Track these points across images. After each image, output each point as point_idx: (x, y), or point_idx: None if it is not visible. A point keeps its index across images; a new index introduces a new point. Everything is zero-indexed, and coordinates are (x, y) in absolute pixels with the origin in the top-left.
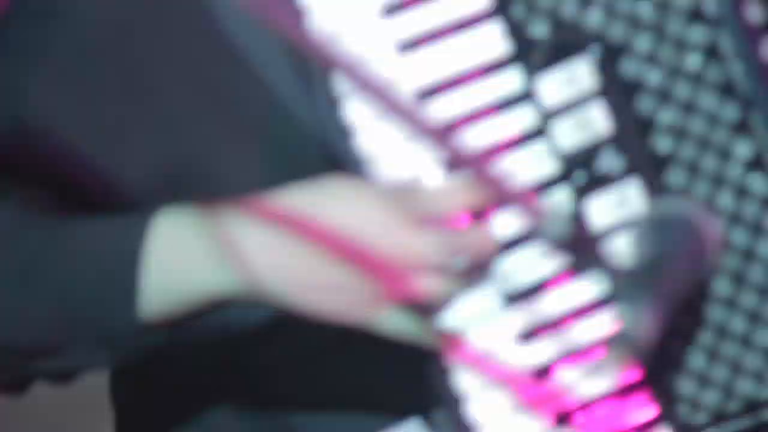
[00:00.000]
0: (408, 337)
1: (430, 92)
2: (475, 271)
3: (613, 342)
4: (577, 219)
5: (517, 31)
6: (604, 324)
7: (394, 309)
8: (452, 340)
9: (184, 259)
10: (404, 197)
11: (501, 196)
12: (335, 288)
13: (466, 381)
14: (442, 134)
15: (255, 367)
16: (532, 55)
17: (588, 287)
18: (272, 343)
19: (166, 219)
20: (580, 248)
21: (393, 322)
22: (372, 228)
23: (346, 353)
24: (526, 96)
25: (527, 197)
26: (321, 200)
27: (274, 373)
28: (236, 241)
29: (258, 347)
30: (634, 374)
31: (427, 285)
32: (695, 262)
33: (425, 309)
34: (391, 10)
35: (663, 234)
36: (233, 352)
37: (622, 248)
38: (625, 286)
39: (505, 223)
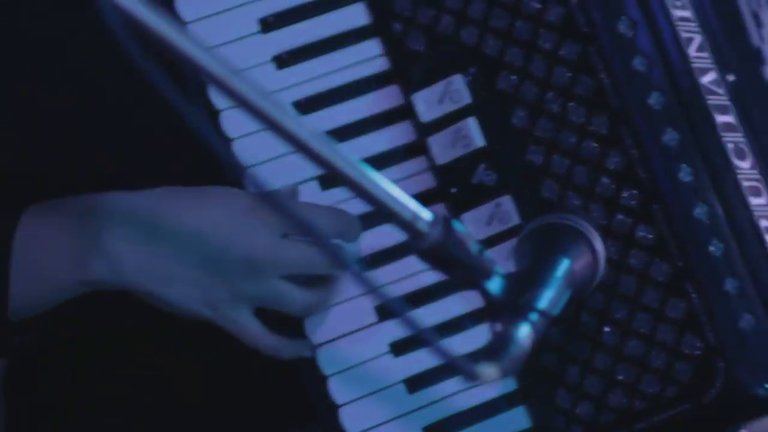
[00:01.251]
0: (260, 344)
1: (308, 106)
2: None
3: (489, 352)
4: (454, 232)
5: (396, 48)
6: (480, 334)
7: (252, 312)
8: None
9: (50, 253)
10: (276, 207)
11: (375, 209)
12: (195, 283)
13: (337, 390)
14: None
15: (136, 367)
16: (410, 73)
17: (464, 298)
18: (156, 348)
19: (33, 214)
20: (457, 261)
21: (248, 326)
22: (239, 234)
23: (225, 363)
24: (404, 111)
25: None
26: (194, 202)
27: (153, 376)
28: (102, 234)
29: (139, 349)
30: (510, 385)
31: (288, 292)
32: (579, 275)
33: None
34: (269, 25)
35: (547, 246)
36: (111, 354)
37: (499, 260)
38: (504, 298)
39: (383, 235)
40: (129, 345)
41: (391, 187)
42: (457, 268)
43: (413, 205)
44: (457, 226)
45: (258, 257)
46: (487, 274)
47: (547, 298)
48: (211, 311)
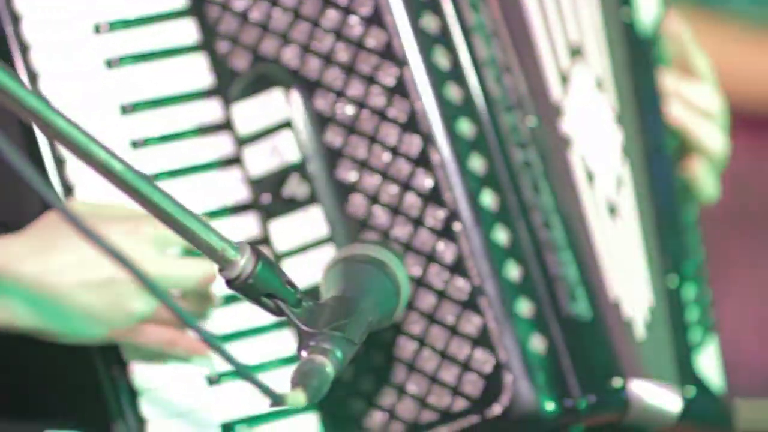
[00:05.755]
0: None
1: (133, 109)
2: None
3: (296, 378)
4: (262, 261)
5: (219, 64)
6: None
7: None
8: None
9: None
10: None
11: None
12: (91, 312)
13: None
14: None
15: None
16: (232, 86)
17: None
18: None
19: None
20: (264, 290)
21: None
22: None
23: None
24: (223, 125)
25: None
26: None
27: None
28: None
29: None
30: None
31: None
32: (382, 304)
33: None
34: (102, 28)
35: (353, 275)
36: None
37: (307, 269)
38: (311, 326)
39: None
40: None
41: (199, 217)
42: (265, 297)
43: (223, 235)
44: (265, 256)
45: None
46: (294, 303)
47: (352, 327)
48: (113, 332)
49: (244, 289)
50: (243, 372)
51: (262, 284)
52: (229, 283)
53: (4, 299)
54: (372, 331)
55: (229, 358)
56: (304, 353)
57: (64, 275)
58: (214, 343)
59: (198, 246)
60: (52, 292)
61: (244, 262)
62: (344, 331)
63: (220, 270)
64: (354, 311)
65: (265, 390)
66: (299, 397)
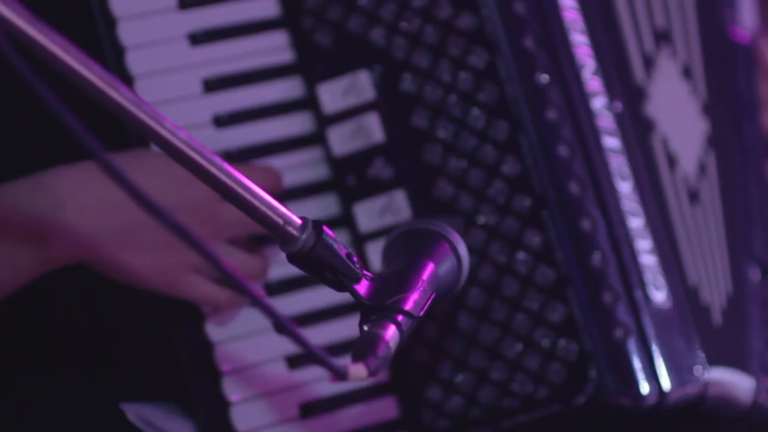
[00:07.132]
0: (214, 300)
1: (217, 86)
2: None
3: (357, 352)
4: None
5: (303, 41)
6: (351, 327)
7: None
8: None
9: (8, 235)
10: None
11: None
12: (147, 248)
13: (222, 358)
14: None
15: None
16: (318, 65)
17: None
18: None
19: None
20: (325, 264)
21: (200, 286)
22: (185, 199)
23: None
24: (303, 102)
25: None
26: (138, 168)
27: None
28: (56, 209)
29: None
30: (380, 377)
31: (235, 255)
32: (444, 278)
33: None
34: (186, 3)
35: (413, 250)
36: None
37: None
38: (371, 300)
39: None
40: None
41: (260, 191)
42: (326, 271)
43: (284, 210)
44: (327, 231)
45: (204, 219)
46: (356, 278)
47: (413, 301)
48: (161, 278)
49: (306, 263)
50: (307, 348)
51: (324, 258)
52: (291, 257)
53: (70, 220)
54: (433, 304)
55: (293, 335)
56: (365, 327)
57: (127, 206)
58: (282, 322)
59: (259, 220)
60: (114, 221)
61: (305, 237)
62: (405, 304)
63: (282, 244)
64: (415, 284)
65: (328, 364)
66: (361, 372)
